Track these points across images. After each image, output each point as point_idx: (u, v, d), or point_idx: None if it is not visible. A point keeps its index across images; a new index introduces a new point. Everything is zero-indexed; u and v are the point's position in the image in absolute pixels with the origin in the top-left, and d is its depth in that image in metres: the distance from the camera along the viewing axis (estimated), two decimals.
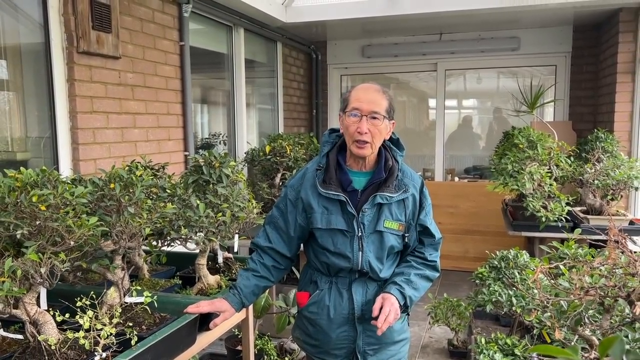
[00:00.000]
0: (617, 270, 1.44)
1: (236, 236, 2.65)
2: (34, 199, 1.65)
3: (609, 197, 3.87)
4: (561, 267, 1.58)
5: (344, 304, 1.99)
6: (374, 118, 1.89)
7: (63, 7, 2.87)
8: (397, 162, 2.00)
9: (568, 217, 3.74)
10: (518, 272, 3.02)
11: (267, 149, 4.22)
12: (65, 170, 2.93)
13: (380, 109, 1.90)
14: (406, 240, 1.99)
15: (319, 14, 4.94)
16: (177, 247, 2.34)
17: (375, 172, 1.98)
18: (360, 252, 1.93)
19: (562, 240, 4.16)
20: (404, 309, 1.93)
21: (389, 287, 1.92)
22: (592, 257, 1.76)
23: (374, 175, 1.97)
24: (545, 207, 3.73)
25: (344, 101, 1.98)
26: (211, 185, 2.43)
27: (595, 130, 4.18)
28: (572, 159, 4.03)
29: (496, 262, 3.15)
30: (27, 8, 2.84)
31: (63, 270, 1.65)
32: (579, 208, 4.07)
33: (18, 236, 1.64)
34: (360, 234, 1.93)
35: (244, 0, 4.17)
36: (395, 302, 1.86)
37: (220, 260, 2.56)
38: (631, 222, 3.85)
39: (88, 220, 1.76)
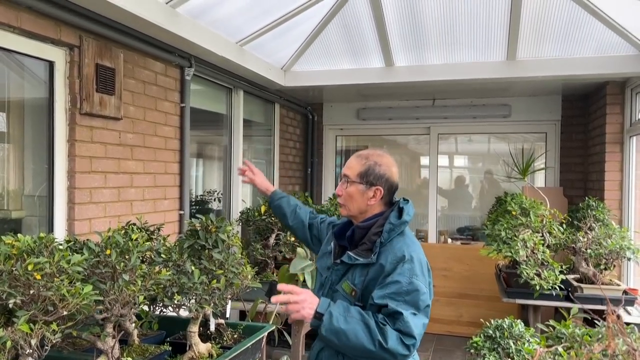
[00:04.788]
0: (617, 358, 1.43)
1: (229, 302, 2.62)
2: (30, 268, 1.64)
3: (602, 267, 3.88)
4: (560, 349, 1.57)
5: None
6: (346, 181, 2.03)
7: (69, 71, 2.94)
8: (383, 228, 1.94)
9: (562, 286, 3.74)
10: (513, 342, 2.98)
11: (263, 209, 4.23)
12: (60, 229, 2.91)
13: (350, 172, 2.02)
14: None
15: (317, 79, 5.09)
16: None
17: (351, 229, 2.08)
18: None
19: (556, 309, 4.16)
20: (317, 316, 1.78)
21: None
22: (590, 337, 1.75)
23: (349, 232, 2.08)
24: (539, 275, 3.74)
25: None
26: (206, 251, 2.42)
27: (587, 198, 4.24)
28: (564, 226, 4.07)
29: (491, 332, 3.11)
30: (34, 68, 2.91)
31: (54, 341, 1.62)
32: (572, 276, 4.07)
33: (10, 305, 1.62)
34: (327, 286, 2.02)
35: (245, 65, 4.29)
36: (312, 302, 1.79)
37: (212, 327, 2.52)
38: (625, 292, 3.84)
39: (82, 289, 1.75)
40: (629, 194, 4.56)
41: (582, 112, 5.61)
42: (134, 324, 2.29)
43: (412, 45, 4.55)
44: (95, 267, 1.98)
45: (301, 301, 1.78)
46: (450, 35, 4.33)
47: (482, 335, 3.14)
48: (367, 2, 3.94)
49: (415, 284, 1.82)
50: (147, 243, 2.23)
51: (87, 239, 2.41)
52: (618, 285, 3.93)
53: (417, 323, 1.78)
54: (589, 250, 3.85)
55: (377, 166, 2.01)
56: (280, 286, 1.81)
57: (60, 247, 1.96)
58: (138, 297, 1.99)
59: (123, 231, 2.41)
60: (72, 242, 2.32)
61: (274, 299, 1.80)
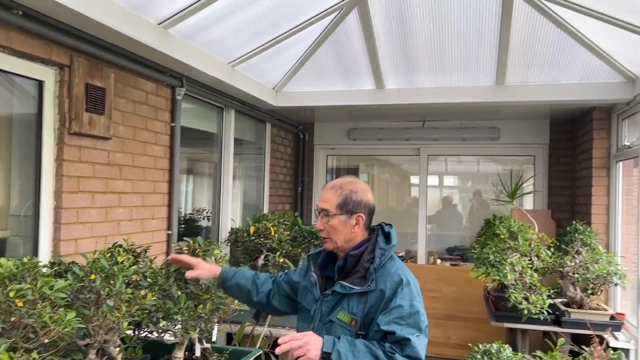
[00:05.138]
0: None
1: (215, 326, 2.60)
2: (11, 294, 1.62)
3: (589, 291, 3.89)
4: None
5: None
6: (325, 215, 2.00)
7: (59, 90, 2.94)
8: (374, 254, 1.96)
9: (550, 310, 3.74)
10: None
11: (252, 229, 4.22)
12: (45, 250, 2.88)
13: (329, 205, 2.00)
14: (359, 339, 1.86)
15: (308, 100, 5.12)
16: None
17: (342, 259, 2.04)
18: None
19: (544, 333, 4.15)
20: (325, 356, 1.76)
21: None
22: None
23: (340, 261, 2.04)
24: (527, 299, 3.74)
25: None
26: None
27: (574, 221, 4.27)
28: (552, 250, 4.09)
29: (479, 356, 3.10)
30: (23, 84, 2.89)
31: None
32: (560, 300, 4.07)
33: None
34: (317, 318, 1.97)
35: (236, 85, 4.31)
36: (316, 342, 1.76)
37: (197, 352, 2.49)
38: (612, 317, 3.85)
39: (65, 315, 1.72)
40: (616, 218, 4.59)
41: (569, 136, 5.68)
42: (117, 349, 2.26)
43: (402, 68, 4.60)
44: (79, 292, 1.96)
45: (305, 344, 1.75)
46: (440, 59, 4.38)
47: None
48: (359, 25, 3.98)
49: (416, 306, 1.87)
50: (133, 267, 2.21)
51: (73, 261, 2.39)
52: (605, 310, 3.94)
53: (421, 345, 1.83)
54: (576, 275, 3.87)
55: (354, 194, 2.01)
56: (281, 339, 1.76)
57: (44, 270, 1.94)
58: (122, 323, 1.97)
59: (109, 253, 2.38)
60: (56, 266, 2.30)
61: (277, 350, 1.76)
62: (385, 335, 1.83)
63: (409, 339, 1.78)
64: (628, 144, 4.41)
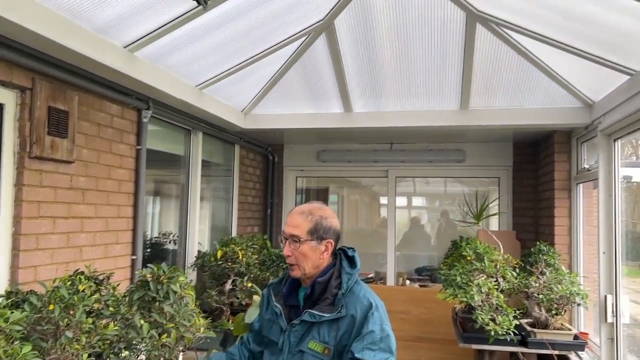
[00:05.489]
0: None
1: (180, 355, 2.53)
2: None
3: (553, 312, 3.96)
4: None
5: None
6: (294, 241, 1.96)
7: (20, 113, 2.87)
8: (341, 279, 1.96)
9: (516, 331, 3.78)
10: None
11: (219, 253, 4.16)
12: (2, 278, 2.77)
13: (299, 232, 1.96)
14: None
15: (277, 123, 5.14)
16: None
17: (309, 286, 2.00)
18: None
19: (510, 354, 4.20)
20: None
21: None
22: None
23: (307, 289, 2.00)
24: (493, 320, 3.78)
25: None
26: (157, 303, 2.35)
27: (538, 242, 4.36)
28: (517, 271, 4.16)
29: None
30: None
31: None
32: (525, 320, 4.13)
33: None
34: (286, 350, 1.92)
35: (204, 107, 4.29)
36: None
37: None
38: (576, 337, 3.92)
39: (21, 349, 1.66)
40: (577, 239, 4.72)
41: (532, 159, 5.84)
42: None
43: (370, 92, 4.67)
44: (36, 323, 1.89)
45: None
46: (406, 84, 4.47)
47: None
48: (327, 50, 4.04)
49: (386, 329, 1.88)
50: (95, 295, 2.15)
51: (31, 290, 2.31)
52: (569, 330, 4.01)
53: None
54: (540, 295, 3.93)
55: (324, 219, 2.00)
56: None
57: (0, 301, 1.87)
58: (82, 355, 1.90)
59: (69, 281, 2.31)
60: (13, 295, 2.22)
61: None
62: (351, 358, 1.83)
63: None
64: (587, 166, 4.56)
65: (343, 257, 2.03)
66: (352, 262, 2.02)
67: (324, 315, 1.88)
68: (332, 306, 1.89)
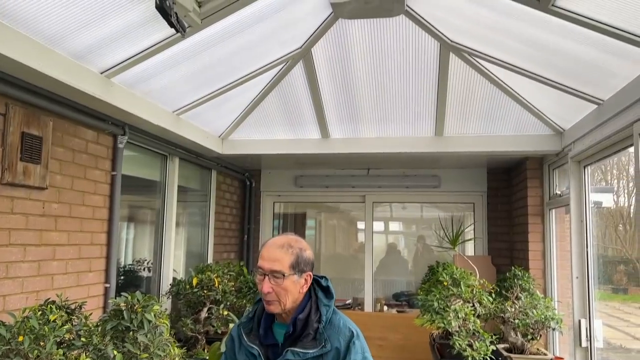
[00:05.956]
0: None
1: None
2: None
3: (529, 337, 3.99)
4: None
5: None
6: (275, 277, 1.87)
7: None
8: (320, 312, 1.92)
9: (493, 357, 3.80)
10: None
11: (194, 281, 4.10)
12: None
13: (281, 266, 1.88)
14: None
15: (255, 148, 5.14)
16: None
17: (290, 324, 1.92)
18: None
19: None
20: None
21: None
22: None
23: (288, 328, 1.92)
24: (470, 346, 3.79)
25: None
26: (131, 332, 2.30)
27: (513, 267, 4.42)
28: (493, 295, 4.20)
29: None
30: None
31: None
32: (502, 345, 4.15)
33: None
34: None
35: (181, 133, 4.28)
36: None
37: None
38: None
39: None
40: (551, 263, 4.79)
41: (506, 184, 5.95)
42: None
43: (347, 119, 4.72)
44: (5, 355, 1.83)
45: None
46: (382, 111, 4.54)
47: None
48: (304, 78, 4.09)
49: (368, 357, 1.89)
50: (66, 326, 2.10)
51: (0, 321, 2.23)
52: (545, 354, 4.04)
53: None
54: (516, 320, 3.97)
55: (303, 252, 1.95)
56: None
57: None
58: None
59: (40, 311, 2.25)
60: None
61: None
62: None
63: None
64: (559, 192, 4.66)
65: (317, 287, 1.99)
66: (327, 292, 1.99)
67: (309, 351, 1.84)
68: (315, 341, 1.86)
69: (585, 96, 3.46)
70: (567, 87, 3.48)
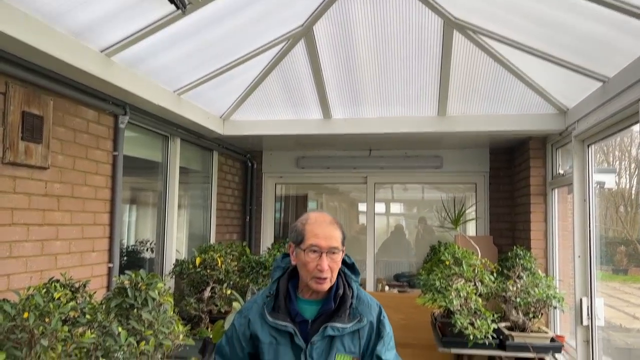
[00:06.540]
0: None
1: None
2: None
3: (530, 315, 4.01)
4: None
5: None
6: (334, 253, 1.89)
7: None
8: (352, 288, 1.96)
9: (494, 335, 3.82)
10: None
11: (198, 260, 4.11)
12: None
13: (338, 243, 1.91)
14: None
15: (256, 129, 5.12)
16: None
17: (326, 300, 1.93)
18: None
19: (489, 357, 4.23)
20: None
21: None
22: None
23: (324, 304, 1.93)
24: (472, 324, 3.81)
25: (298, 235, 1.93)
26: (135, 310, 2.31)
27: (515, 247, 4.42)
28: (495, 275, 4.21)
29: None
30: None
31: None
32: (503, 324, 4.17)
33: None
34: None
35: (182, 113, 4.25)
36: None
37: None
38: (552, 340, 3.98)
39: None
40: (553, 243, 4.79)
41: (508, 165, 5.93)
42: None
43: (349, 99, 4.69)
44: (10, 332, 1.84)
45: None
46: (385, 91, 4.50)
47: None
48: (306, 56, 4.05)
49: (390, 325, 1.99)
50: (71, 303, 2.10)
51: (4, 299, 2.24)
52: (546, 332, 4.07)
53: (397, 357, 1.98)
54: (518, 299, 3.98)
55: (342, 227, 1.99)
56: None
57: None
58: None
59: (44, 289, 2.26)
60: None
61: None
62: None
63: None
64: (562, 172, 4.65)
65: (342, 265, 2.01)
66: (352, 269, 2.03)
67: (347, 326, 1.87)
68: (351, 316, 1.89)
69: (590, 73, 3.42)
70: (571, 64, 3.44)
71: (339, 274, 1.97)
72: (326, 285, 1.90)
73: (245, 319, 1.99)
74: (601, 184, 4.84)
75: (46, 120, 3.09)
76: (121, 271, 3.74)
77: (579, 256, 4.00)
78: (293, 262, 1.98)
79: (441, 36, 3.68)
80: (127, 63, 3.44)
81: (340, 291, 1.93)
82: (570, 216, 4.44)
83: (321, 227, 1.91)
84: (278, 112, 5.01)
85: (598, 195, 4.26)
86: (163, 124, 4.44)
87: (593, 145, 3.99)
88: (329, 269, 1.87)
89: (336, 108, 4.85)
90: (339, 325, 1.86)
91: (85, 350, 2.02)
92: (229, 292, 4.00)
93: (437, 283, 4.01)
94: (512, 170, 5.83)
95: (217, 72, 4.02)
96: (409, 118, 4.85)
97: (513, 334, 3.98)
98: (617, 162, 9.32)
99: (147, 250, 4.75)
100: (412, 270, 6.58)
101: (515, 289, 4.04)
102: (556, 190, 4.82)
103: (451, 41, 3.68)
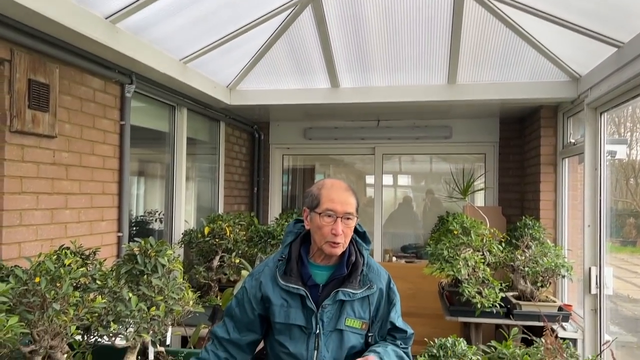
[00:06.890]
0: None
1: (169, 328, 2.52)
2: None
3: (538, 284, 4.02)
4: None
5: None
6: (348, 219, 1.91)
7: None
8: (363, 256, 1.99)
9: (502, 304, 3.84)
10: None
11: (206, 230, 4.13)
12: None
13: (353, 209, 1.93)
14: (369, 339, 1.95)
15: (263, 99, 5.07)
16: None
17: (338, 266, 1.95)
18: (316, 352, 1.88)
19: (496, 326, 4.26)
20: None
21: (369, 352, 1.89)
22: (529, 356, 1.79)
23: (336, 270, 1.95)
24: (480, 293, 3.82)
25: (313, 199, 1.94)
26: (145, 276, 2.32)
27: (524, 217, 4.40)
28: (503, 245, 4.20)
29: (435, 351, 3.14)
30: None
31: None
32: (511, 293, 4.19)
33: None
34: (318, 331, 1.88)
35: (189, 82, 4.21)
36: None
37: (151, 356, 2.41)
38: (560, 308, 3.99)
39: (7, 321, 1.62)
40: (563, 213, 4.77)
41: (518, 134, 5.86)
42: (65, 355, 2.15)
43: (357, 67, 4.62)
44: (22, 296, 1.85)
45: None
46: (394, 59, 4.43)
47: (426, 354, 3.17)
48: (314, 23, 3.97)
49: (398, 293, 2.06)
50: (81, 269, 2.12)
51: (16, 265, 2.26)
52: (554, 301, 4.08)
53: (405, 322, 2.06)
54: (526, 269, 3.98)
55: (357, 195, 2.01)
56: None
57: None
58: (70, 327, 1.88)
59: (55, 256, 2.27)
60: None
61: None
62: (391, 327, 1.99)
63: (412, 333, 2.05)
64: (573, 141, 4.59)
65: (354, 233, 2.02)
66: (363, 237, 2.05)
67: (357, 292, 1.90)
68: (361, 283, 1.92)
69: (605, 38, 3.34)
70: (586, 29, 3.35)
71: (350, 241, 1.99)
72: (339, 250, 1.91)
73: (256, 281, 2.00)
74: (612, 154, 4.77)
75: (52, 89, 3.07)
76: (130, 241, 3.77)
77: (589, 225, 3.97)
78: (307, 227, 1.99)
79: (452, 1, 3.59)
80: (132, 30, 3.39)
81: (353, 258, 1.95)
82: (580, 187, 4.40)
83: (337, 192, 1.93)
84: (285, 81, 4.95)
85: (609, 166, 4.21)
86: (169, 94, 4.40)
87: (606, 113, 3.92)
88: (343, 234, 1.89)
89: (344, 77, 4.78)
90: (350, 290, 1.89)
91: (96, 314, 2.04)
92: (237, 260, 4.03)
93: (445, 252, 4.01)
94: (522, 140, 5.76)
95: (223, 40, 3.96)
96: (418, 86, 4.78)
97: (521, 302, 3.99)
98: (629, 134, 9.19)
99: (155, 220, 4.77)
100: (419, 242, 6.59)
101: (523, 258, 4.03)
102: (567, 160, 4.77)
103: (462, 6, 3.59)
